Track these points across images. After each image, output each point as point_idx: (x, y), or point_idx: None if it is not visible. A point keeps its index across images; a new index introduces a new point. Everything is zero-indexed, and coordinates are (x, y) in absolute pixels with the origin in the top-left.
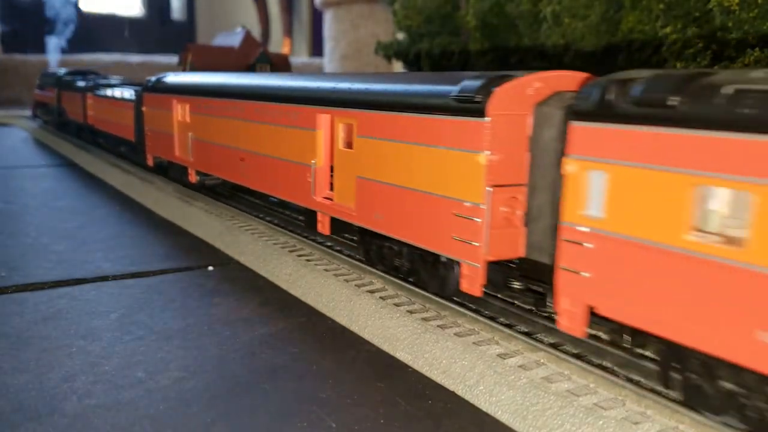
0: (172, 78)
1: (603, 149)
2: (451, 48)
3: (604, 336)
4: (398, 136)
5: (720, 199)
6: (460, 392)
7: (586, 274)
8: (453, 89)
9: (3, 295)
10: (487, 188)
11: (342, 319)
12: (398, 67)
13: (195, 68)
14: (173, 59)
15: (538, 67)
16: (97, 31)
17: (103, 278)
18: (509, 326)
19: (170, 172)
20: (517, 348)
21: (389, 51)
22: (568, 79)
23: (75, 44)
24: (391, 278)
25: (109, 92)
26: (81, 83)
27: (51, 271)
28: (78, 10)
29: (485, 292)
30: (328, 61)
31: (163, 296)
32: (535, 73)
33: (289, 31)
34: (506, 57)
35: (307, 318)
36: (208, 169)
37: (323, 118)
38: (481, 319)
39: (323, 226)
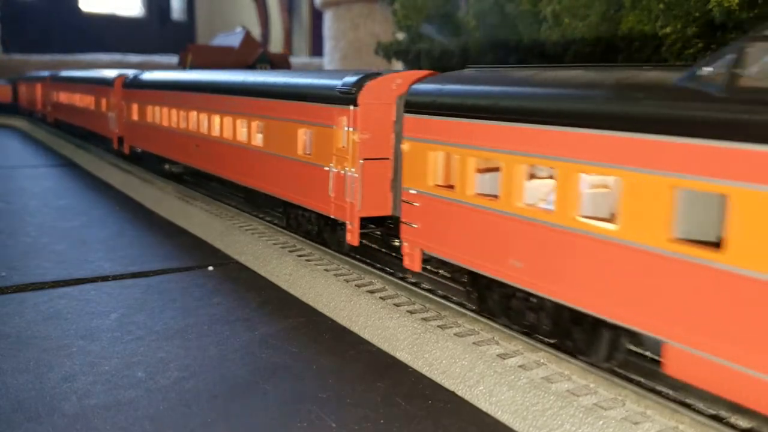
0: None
1: None
2: (451, 48)
3: None
4: None
5: None
6: (460, 392)
7: None
8: None
9: (3, 295)
10: None
11: (342, 319)
12: (398, 66)
13: (196, 68)
14: (173, 59)
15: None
16: (97, 31)
17: (103, 278)
18: (509, 326)
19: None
20: (517, 348)
21: (389, 51)
22: None
23: (74, 44)
24: (391, 278)
25: None
26: None
27: (51, 271)
28: (78, 9)
29: None
30: (329, 61)
31: (163, 296)
32: None
33: (289, 31)
34: (506, 56)
35: (307, 318)
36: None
37: None
38: (481, 319)
39: None
